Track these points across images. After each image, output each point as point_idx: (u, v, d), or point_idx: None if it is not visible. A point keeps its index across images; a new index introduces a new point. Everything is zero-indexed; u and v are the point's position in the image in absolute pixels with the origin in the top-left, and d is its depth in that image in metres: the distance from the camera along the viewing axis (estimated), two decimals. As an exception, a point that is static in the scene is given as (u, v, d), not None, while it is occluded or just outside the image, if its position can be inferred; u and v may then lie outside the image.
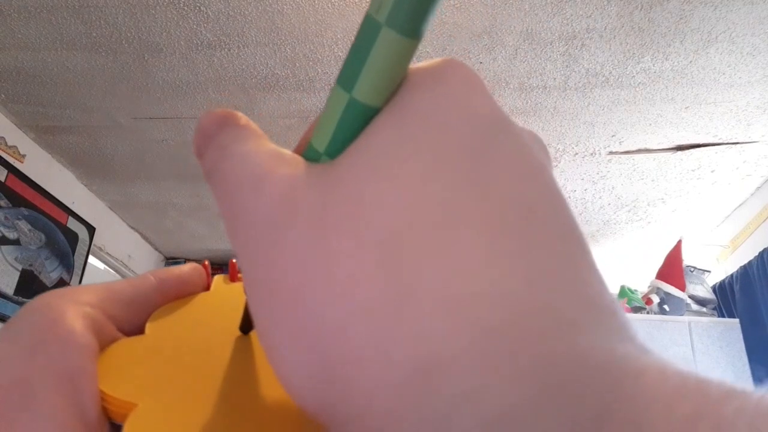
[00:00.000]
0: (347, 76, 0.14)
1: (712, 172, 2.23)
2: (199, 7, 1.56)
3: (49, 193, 2.26)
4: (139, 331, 0.21)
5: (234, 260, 0.27)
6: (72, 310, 0.19)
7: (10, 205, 2.07)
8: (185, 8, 1.56)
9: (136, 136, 2.15)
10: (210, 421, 0.17)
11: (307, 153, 0.15)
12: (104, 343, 0.19)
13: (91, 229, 2.53)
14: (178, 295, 0.23)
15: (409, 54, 0.14)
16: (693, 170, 2.23)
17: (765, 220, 2.31)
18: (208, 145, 0.16)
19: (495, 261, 0.12)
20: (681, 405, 0.09)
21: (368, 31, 0.13)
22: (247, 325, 0.22)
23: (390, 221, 0.12)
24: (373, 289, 0.12)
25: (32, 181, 2.18)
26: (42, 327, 0.18)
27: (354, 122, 0.14)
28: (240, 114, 0.16)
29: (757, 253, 2.29)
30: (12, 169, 2.08)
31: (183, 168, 2.35)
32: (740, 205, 2.46)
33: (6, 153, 2.06)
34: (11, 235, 2.07)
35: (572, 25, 1.59)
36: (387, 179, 0.13)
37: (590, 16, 1.55)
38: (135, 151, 2.25)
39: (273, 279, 0.13)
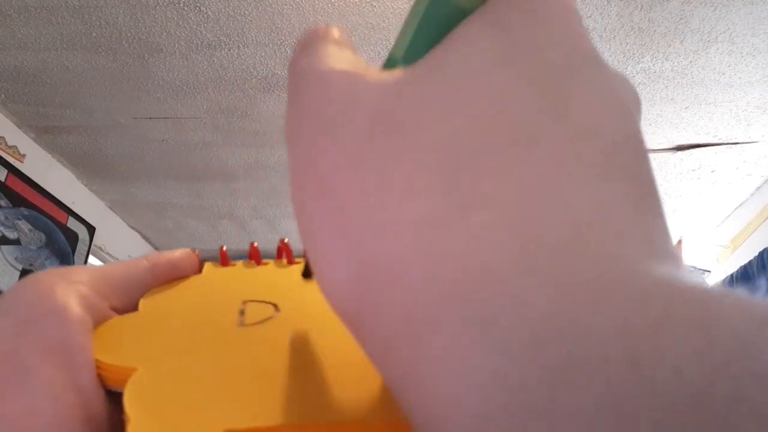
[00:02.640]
0: None
1: (712, 172, 2.23)
2: (199, 7, 1.56)
3: (49, 193, 2.26)
4: (132, 312, 0.21)
5: (224, 247, 0.27)
6: (65, 287, 0.18)
7: (10, 205, 2.07)
8: (185, 8, 1.56)
9: (136, 136, 2.15)
10: (212, 383, 0.17)
11: (385, 65, 0.14)
12: (97, 321, 0.19)
13: (91, 229, 2.53)
14: (169, 278, 0.24)
15: None
16: (693, 170, 2.23)
17: (765, 220, 2.31)
18: (297, 52, 0.16)
19: (563, 183, 0.11)
20: (756, 308, 0.09)
21: None
22: (310, 269, 0.21)
23: (456, 131, 0.12)
24: (430, 200, 0.11)
25: (32, 181, 2.18)
26: (34, 302, 0.18)
27: (437, 22, 0.13)
28: (336, 29, 0.16)
29: (757, 253, 2.29)
30: (12, 169, 2.07)
31: (183, 168, 2.35)
32: (740, 205, 2.46)
33: (6, 153, 2.06)
34: (11, 235, 2.07)
35: (572, 25, 1.59)
36: (461, 88, 0.12)
37: (590, 16, 1.55)
38: (135, 151, 2.25)
39: (324, 179, 0.13)
